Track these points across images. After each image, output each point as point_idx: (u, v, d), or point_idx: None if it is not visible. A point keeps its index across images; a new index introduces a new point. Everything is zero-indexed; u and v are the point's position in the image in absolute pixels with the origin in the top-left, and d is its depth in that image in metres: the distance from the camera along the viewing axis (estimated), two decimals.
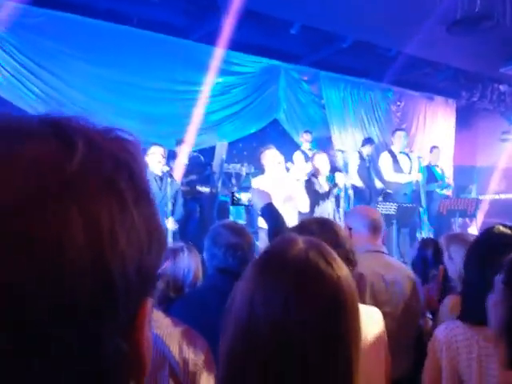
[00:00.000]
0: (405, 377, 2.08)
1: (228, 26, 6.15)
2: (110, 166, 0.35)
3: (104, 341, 0.34)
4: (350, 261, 1.53)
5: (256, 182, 4.68)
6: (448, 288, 2.46)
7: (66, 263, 0.31)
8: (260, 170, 6.01)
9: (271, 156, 4.72)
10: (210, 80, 6.99)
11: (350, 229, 2.35)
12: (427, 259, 2.79)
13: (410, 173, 7.02)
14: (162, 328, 1.29)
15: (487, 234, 1.68)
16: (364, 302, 1.84)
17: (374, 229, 2.29)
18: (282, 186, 4.56)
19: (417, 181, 6.94)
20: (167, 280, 2.17)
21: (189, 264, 2.09)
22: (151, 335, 0.40)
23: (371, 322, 1.53)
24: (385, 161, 7.03)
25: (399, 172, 6.95)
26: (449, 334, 1.57)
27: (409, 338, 2.17)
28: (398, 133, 7.21)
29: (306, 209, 4.76)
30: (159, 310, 1.51)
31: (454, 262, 2.38)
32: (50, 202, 0.31)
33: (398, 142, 7.10)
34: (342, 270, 0.79)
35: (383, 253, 2.30)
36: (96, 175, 0.34)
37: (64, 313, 0.31)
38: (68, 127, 0.35)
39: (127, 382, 0.37)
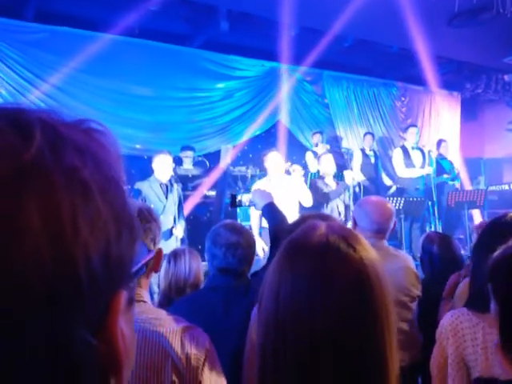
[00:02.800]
0: (413, 365, 2.10)
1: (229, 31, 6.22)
2: (72, 154, 0.34)
3: (72, 336, 0.32)
4: None
5: (258, 185, 4.76)
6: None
7: (23, 251, 0.30)
8: (265, 171, 6.06)
9: (273, 158, 4.79)
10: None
11: (356, 224, 2.36)
12: (433, 254, 2.76)
13: (422, 167, 7.07)
14: (165, 325, 1.33)
15: (497, 220, 1.68)
16: None
17: (379, 231, 2.27)
18: (284, 185, 4.64)
19: (428, 174, 6.97)
20: (169, 281, 2.21)
21: (190, 266, 2.13)
22: (132, 330, 0.38)
23: None
24: (397, 157, 7.12)
25: (410, 167, 7.00)
26: (454, 322, 1.58)
27: (410, 327, 2.19)
28: (411, 129, 7.35)
29: (309, 203, 4.85)
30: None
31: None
32: (3, 189, 0.30)
33: (410, 138, 7.23)
34: (367, 251, 0.78)
35: (384, 245, 2.31)
36: (55, 163, 0.33)
37: (25, 306, 0.30)
38: (26, 117, 0.34)
39: (104, 378, 0.36)
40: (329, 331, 0.72)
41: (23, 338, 0.30)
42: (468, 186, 8.33)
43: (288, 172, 5.25)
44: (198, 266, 2.29)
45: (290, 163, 5.09)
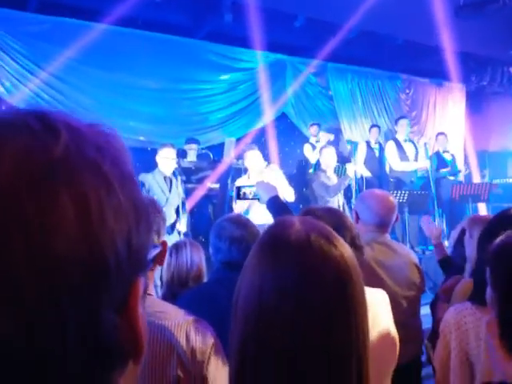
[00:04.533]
0: (414, 361, 2.10)
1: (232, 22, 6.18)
2: (93, 151, 0.37)
3: (101, 317, 0.35)
4: (356, 246, 1.54)
5: (241, 182, 4.77)
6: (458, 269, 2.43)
7: (59, 240, 0.32)
8: (269, 163, 6.05)
9: (251, 157, 4.85)
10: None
11: (358, 217, 2.34)
12: None
13: (415, 160, 7.02)
14: (170, 319, 1.32)
15: (502, 215, 1.67)
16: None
17: (382, 225, 2.24)
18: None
19: (426, 168, 6.92)
20: (172, 274, 2.21)
21: (192, 258, 2.12)
22: (145, 315, 0.41)
23: (380, 306, 1.54)
24: (390, 150, 7.05)
25: (405, 160, 6.95)
26: (458, 316, 1.57)
27: (414, 323, 2.18)
28: (401, 121, 7.24)
29: (292, 198, 4.88)
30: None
31: (473, 241, 2.35)
32: (39, 183, 0.33)
33: (401, 130, 7.15)
34: (344, 247, 0.80)
35: (387, 239, 2.30)
36: (80, 158, 0.36)
37: (59, 290, 0.33)
38: (51, 117, 0.37)
39: (126, 359, 0.39)
40: (315, 328, 0.73)
41: (58, 317, 0.33)
42: (478, 179, 8.27)
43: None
44: (200, 258, 2.27)
45: (266, 163, 5.13)
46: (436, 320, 2.54)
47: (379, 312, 1.48)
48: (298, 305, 0.74)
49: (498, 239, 1.31)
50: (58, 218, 0.33)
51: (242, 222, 1.95)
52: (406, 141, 7.15)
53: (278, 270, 0.76)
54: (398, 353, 1.56)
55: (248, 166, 4.95)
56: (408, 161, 6.98)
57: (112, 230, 0.36)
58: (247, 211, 4.67)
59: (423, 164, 6.94)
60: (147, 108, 6.52)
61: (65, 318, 0.33)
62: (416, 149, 7.15)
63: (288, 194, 4.86)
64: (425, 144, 7.10)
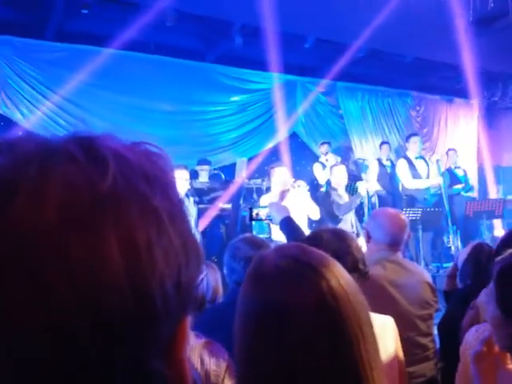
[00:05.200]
0: (429, 381, 2.06)
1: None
2: (143, 182, 0.34)
3: (146, 364, 0.33)
4: (359, 270, 1.53)
5: (265, 200, 4.77)
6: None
7: (103, 282, 0.30)
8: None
9: (280, 174, 4.83)
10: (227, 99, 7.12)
11: (369, 236, 2.33)
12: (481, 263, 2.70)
13: (427, 177, 6.97)
14: None
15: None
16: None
17: (393, 244, 2.23)
18: (290, 200, 4.61)
19: (439, 184, 6.87)
20: None
21: (207, 280, 2.12)
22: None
23: (384, 333, 1.52)
24: (402, 168, 7.00)
25: (417, 178, 6.90)
26: (479, 338, 1.55)
27: (428, 342, 2.16)
28: (413, 138, 7.18)
29: (316, 216, 4.86)
30: None
31: None
32: (85, 222, 0.31)
33: (413, 148, 7.07)
34: (331, 270, 0.76)
35: (399, 258, 2.28)
36: (129, 193, 0.33)
37: (103, 334, 0.30)
38: (97, 145, 0.35)
39: None
40: (296, 351, 0.72)
41: (98, 365, 0.30)
42: (494, 195, 8.17)
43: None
44: (216, 279, 2.25)
45: (294, 179, 5.13)
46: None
47: (384, 338, 1.46)
48: (279, 330, 0.73)
49: (501, 257, 1.29)
50: (103, 258, 0.31)
51: (257, 243, 1.96)
52: (417, 158, 7.11)
53: (256, 299, 0.77)
54: (405, 378, 1.54)
55: (273, 183, 4.92)
56: (420, 178, 6.93)
57: (161, 271, 0.33)
58: (268, 226, 4.68)
59: (436, 181, 6.88)
60: (159, 130, 6.61)
61: (105, 364, 0.31)
62: (428, 166, 7.10)
63: (312, 212, 4.85)
64: (437, 161, 7.04)
